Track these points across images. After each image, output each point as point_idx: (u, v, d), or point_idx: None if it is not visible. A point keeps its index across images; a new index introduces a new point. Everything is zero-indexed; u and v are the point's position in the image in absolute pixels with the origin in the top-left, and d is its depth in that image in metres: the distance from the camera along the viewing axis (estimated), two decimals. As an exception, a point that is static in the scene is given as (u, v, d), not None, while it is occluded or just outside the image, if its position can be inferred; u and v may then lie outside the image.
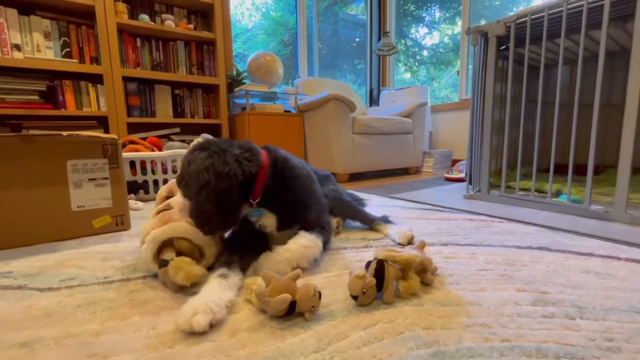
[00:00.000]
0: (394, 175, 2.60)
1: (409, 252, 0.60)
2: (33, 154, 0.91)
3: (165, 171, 1.60)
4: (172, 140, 2.10)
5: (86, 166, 0.99)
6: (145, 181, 1.56)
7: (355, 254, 0.80)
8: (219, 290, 0.55)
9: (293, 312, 0.51)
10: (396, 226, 0.95)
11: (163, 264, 0.61)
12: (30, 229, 0.92)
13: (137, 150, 1.58)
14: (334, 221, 0.97)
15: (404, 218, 1.15)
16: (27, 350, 0.45)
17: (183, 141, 2.01)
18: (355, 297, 0.54)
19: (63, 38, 1.78)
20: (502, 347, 0.44)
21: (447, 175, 2.19)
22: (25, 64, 1.62)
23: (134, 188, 1.51)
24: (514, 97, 1.79)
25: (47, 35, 1.74)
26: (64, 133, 0.92)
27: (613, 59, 1.79)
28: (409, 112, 2.52)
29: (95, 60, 1.85)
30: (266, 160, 0.69)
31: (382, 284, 0.55)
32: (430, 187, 1.90)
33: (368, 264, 0.59)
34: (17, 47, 1.66)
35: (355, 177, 2.45)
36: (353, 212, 1.01)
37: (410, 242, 0.88)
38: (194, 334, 0.47)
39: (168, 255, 0.63)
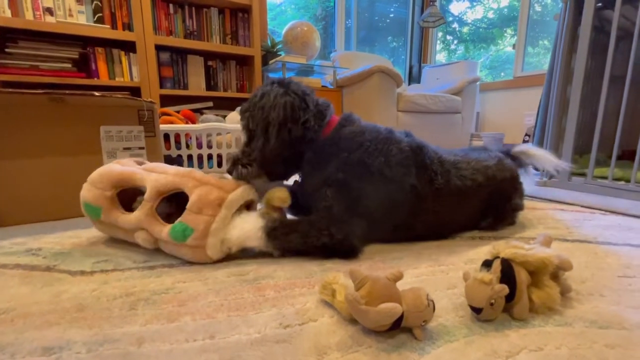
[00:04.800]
0: (437, 159, 2.39)
1: (540, 250, 0.44)
2: (64, 118, 0.81)
3: (200, 146, 1.49)
4: (204, 114, 1.99)
5: (120, 133, 0.88)
6: (180, 156, 1.45)
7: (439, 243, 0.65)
8: None
9: (398, 327, 0.37)
10: None
11: None
12: (62, 202, 0.83)
13: (172, 123, 1.47)
14: None
15: (476, 205, 0.97)
16: (52, 359, 0.34)
17: (216, 116, 1.90)
18: (477, 310, 0.40)
19: (95, 2, 1.68)
20: None
21: (502, 160, 1.96)
22: (57, 29, 1.54)
23: (168, 163, 1.42)
24: (591, 72, 1.52)
25: (79, -1, 1.64)
26: (97, 93, 0.81)
27: None
28: (458, 89, 2.28)
29: (128, 26, 1.75)
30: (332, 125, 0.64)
31: (513, 293, 0.40)
32: (485, 172, 1.69)
33: (487, 264, 0.44)
34: (50, 11, 1.57)
35: (396, 159, 2.27)
36: None
37: None
38: (264, 344, 0.35)
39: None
